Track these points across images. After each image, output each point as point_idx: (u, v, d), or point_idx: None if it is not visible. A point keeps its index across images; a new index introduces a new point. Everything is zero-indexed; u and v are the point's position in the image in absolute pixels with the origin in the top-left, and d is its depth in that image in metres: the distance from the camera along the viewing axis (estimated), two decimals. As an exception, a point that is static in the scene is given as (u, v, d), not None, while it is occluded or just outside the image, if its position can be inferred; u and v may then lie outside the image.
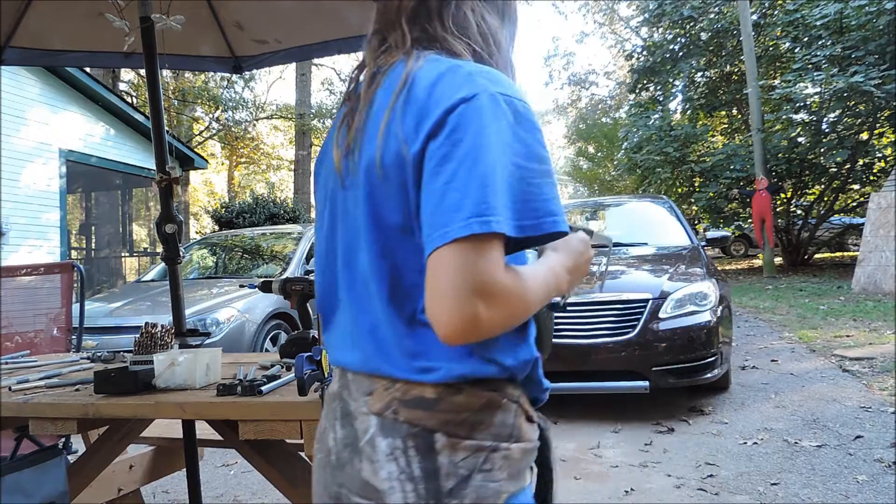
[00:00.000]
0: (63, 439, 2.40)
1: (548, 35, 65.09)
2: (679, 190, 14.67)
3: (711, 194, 12.78)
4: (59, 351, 2.88)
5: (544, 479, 0.91)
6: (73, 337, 2.94)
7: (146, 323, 1.91)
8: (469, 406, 0.78)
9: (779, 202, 13.10)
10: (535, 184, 0.74)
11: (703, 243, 5.51)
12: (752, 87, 12.04)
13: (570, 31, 68.38)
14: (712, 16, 14.80)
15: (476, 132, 0.72)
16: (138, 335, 1.86)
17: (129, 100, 16.42)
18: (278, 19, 2.67)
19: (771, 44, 14.29)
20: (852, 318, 6.93)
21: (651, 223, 5.99)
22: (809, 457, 3.21)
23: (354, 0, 2.43)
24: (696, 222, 15.24)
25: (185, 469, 2.34)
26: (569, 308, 3.98)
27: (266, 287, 2.04)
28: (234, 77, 18.95)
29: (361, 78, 0.89)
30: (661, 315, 4.01)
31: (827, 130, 12.22)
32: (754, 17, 13.49)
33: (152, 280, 6.60)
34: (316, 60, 19.83)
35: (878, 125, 11.97)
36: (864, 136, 12.17)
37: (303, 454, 1.79)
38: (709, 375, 4.00)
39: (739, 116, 15.80)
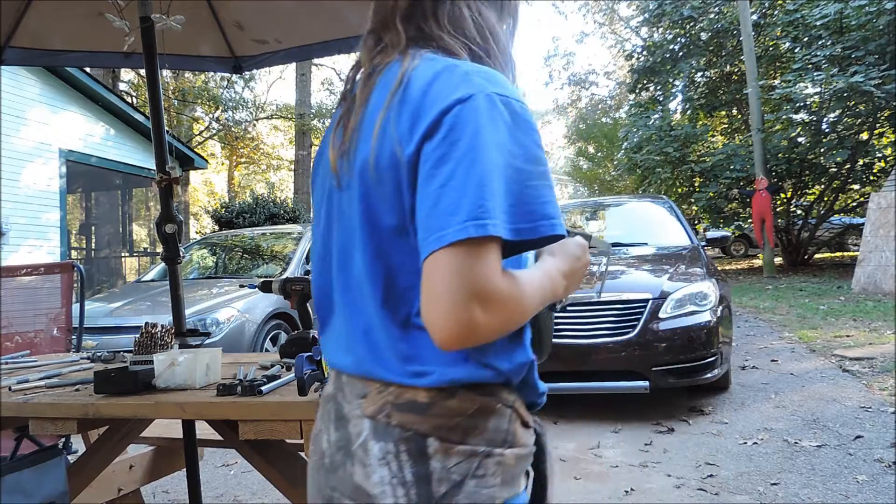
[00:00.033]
0: (63, 439, 2.41)
1: (548, 35, 65.14)
2: (679, 190, 14.66)
3: (711, 194, 12.78)
4: (59, 351, 2.88)
5: (540, 484, 0.90)
6: (73, 337, 2.94)
7: (146, 323, 1.91)
8: (462, 411, 0.77)
9: (779, 202, 13.09)
10: (531, 186, 0.73)
11: (703, 243, 5.52)
12: (752, 87, 12.04)
13: (570, 31, 68.46)
14: (712, 16, 14.79)
15: (472, 133, 0.70)
16: (138, 335, 1.86)
17: (129, 100, 16.43)
18: (278, 19, 2.67)
19: (771, 44, 14.29)
20: (852, 318, 6.93)
21: (651, 223, 5.99)
22: (809, 457, 3.21)
23: (354, 0, 2.43)
24: (696, 222, 15.24)
25: (185, 469, 2.34)
26: (569, 308, 4.01)
27: (266, 287, 2.04)
28: (234, 77, 18.95)
29: (357, 78, 0.89)
30: (661, 315, 4.01)
31: (827, 130, 12.22)
32: (754, 17, 13.49)
33: (152, 280, 6.60)
34: (316, 60, 19.84)
35: (878, 125, 11.97)
36: (864, 136, 12.17)
37: (303, 454, 1.79)
38: (709, 375, 4.01)
39: (739, 116, 15.80)
